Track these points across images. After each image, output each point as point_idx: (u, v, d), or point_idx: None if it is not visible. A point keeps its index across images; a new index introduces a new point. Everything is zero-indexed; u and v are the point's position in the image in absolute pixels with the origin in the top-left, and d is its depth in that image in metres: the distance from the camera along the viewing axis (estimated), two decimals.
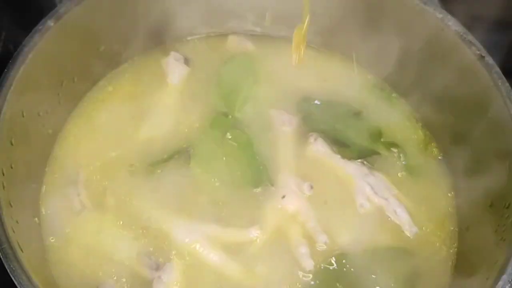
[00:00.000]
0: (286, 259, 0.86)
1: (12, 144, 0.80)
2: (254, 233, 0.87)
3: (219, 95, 1.02)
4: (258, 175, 0.92)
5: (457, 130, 0.96)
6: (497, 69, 0.87)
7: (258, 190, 0.91)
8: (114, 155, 0.94)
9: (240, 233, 0.88)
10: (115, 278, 0.83)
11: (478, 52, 0.89)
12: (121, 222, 0.87)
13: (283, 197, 0.90)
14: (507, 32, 1.14)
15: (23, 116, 0.83)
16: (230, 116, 0.99)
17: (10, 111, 0.79)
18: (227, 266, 0.85)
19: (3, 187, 0.76)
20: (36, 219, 0.87)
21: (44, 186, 0.91)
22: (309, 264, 0.85)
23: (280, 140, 0.97)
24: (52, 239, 0.86)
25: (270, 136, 0.97)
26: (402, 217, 0.91)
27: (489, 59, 0.88)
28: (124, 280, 0.83)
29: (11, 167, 0.80)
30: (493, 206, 0.86)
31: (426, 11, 0.93)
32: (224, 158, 0.94)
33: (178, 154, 0.94)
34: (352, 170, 0.95)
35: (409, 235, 0.91)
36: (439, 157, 1.00)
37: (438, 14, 0.92)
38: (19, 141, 0.82)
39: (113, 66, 1.03)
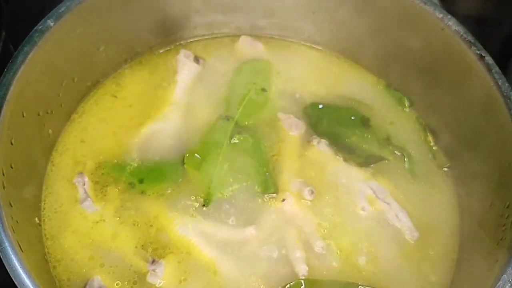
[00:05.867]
0: (280, 261, 0.86)
1: (12, 144, 0.80)
2: (250, 233, 0.88)
3: (227, 98, 1.01)
4: (264, 181, 0.92)
5: (460, 133, 0.96)
6: (497, 69, 0.87)
7: (260, 193, 0.91)
8: (116, 153, 0.94)
9: (236, 232, 0.88)
10: (110, 269, 0.84)
11: (478, 52, 0.88)
12: (121, 215, 0.88)
13: (283, 200, 0.91)
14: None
15: (23, 116, 0.83)
16: (236, 120, 0.98)
17: (10, 111, 0.79)
18: (221, 263, 0.85)
19: (3, 187, 0.76)
20: (36, 219, 0.87)
21: (45, 186, 0.91)
22: (302, 268, 0.85)
23: (287, 144, 0.97)
24: (51, 226, 0.87)
25: (276, 140, 0.97)
26: (403, 222, 0.91)
27: (489, 59, 0.88)
28: (119, 271, 0.84)
29: (11, 167, 0.80)
30: (493, 206, 0.86)
31: (426, 11, 0.93)
32: (228, 162, 0.93)
33: (180, 153, 0.94)
34: (354, 173, 0.95)
35: (410, 239, 0.91)
36: (446, 164, 0.99)
37: (438, 14, 0.92)
38: (19, 141, 0.82)
39: (115, 66, 1.03)
